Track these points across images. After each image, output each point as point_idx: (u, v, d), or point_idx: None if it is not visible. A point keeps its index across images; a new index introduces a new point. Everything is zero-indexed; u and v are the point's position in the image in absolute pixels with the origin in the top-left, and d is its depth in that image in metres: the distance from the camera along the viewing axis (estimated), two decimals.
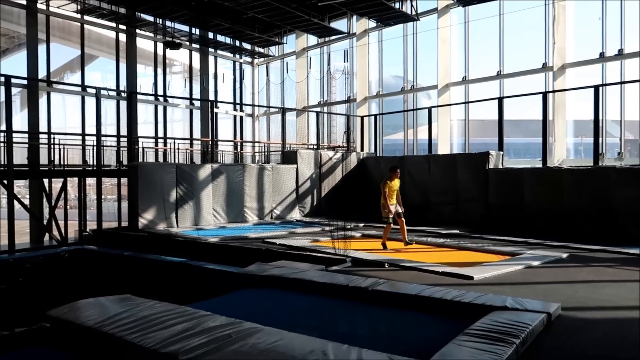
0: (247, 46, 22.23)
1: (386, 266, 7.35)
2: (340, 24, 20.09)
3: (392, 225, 9.03)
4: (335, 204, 15.39)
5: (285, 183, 14.61)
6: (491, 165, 12.94)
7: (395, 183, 9.04)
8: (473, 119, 18.16)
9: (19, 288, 8.76)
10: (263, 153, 20.11)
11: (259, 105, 23.50)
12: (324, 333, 4.71)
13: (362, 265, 7.47)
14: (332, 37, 20.64)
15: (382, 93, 20.04)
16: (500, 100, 14.09)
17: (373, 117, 18.23)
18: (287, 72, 22.68)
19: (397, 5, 16.91)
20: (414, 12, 17.52)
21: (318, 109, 21.11)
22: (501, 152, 13.29)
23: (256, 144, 21.52)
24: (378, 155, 17.90)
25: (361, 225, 12.45)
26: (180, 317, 4.44)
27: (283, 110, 17.31)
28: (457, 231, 11.30)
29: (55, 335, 4.72)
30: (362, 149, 17.94)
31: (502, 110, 13.74)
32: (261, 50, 22.71)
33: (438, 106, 17.04)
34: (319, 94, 21.83)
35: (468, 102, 17.16)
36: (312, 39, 21.65)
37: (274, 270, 6.84)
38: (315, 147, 17.64)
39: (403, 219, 9.07)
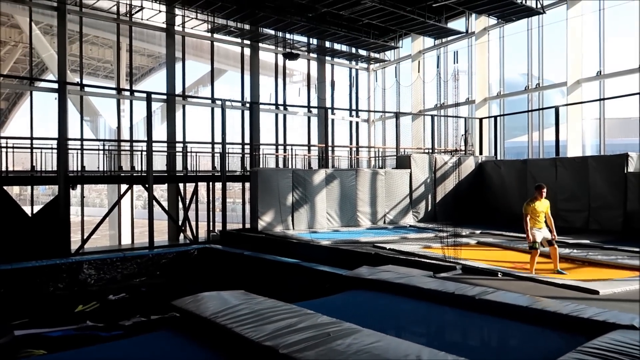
0: (362, 52, 22.48)
1: (499, 275, 6.97)
2: (457, 24, 19.40)
3: (538, 251, 7.50)
4: (450, 210, 14.92)
5: (399, 188, 14.52)
6: (631, 169, 11.61)
7: (541, 204, 7.65)
8: (610, 118, 16.31)
9: (156, 280, 9.88)
10: (378, 158, 20.16)
11: (374, 111, 23.61)
12: (428, 339, 4.66)
13: (473, 274, 7.18)
14: (450, 38, 20.01)
15: (504, 93, 18.94)
16: None
17: (493, 119, 17.32)
18: (399, 77, 22.49)
19: (519, 0, 15.88)
20: (539, 5, 16.29)
21: (434, 112, 20.60)
22: None
23: (372, 149, 21.64)
24: (498, 159, 16.95)
25: (478, 232, 11.91)
26: (285, 314, 4.69)
27: (397, 115, 17.25)
28: (587, 241, 10.30)
29: (181, 323, 5.27)
30: (480, 153, 17.16)
31: None
32: (377, 55, 22.82)
33: (567, 105, 15.63)
34: (436, 96, 21.29)
35: (604, 99, 15.49)
36: (429, 41, 21.21)
37: (381, 274, 6.87)
38: (430, 151, 17.24)
39: (555, 246, 7.57)
